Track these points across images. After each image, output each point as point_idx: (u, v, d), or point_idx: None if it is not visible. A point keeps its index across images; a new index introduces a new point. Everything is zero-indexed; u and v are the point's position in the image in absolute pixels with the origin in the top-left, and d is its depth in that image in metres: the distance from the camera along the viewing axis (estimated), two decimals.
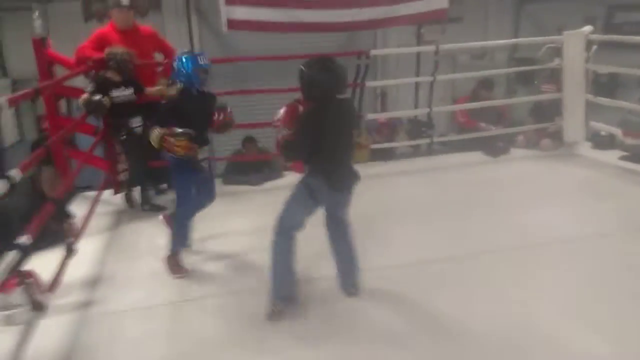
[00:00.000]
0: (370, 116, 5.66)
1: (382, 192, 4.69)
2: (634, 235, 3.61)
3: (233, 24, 5.28)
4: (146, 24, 4.98)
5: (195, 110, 3.22)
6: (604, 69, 5.56)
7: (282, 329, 2.77)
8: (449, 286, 3.09)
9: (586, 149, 5.50)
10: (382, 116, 6.00)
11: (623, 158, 5.08)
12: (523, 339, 2.58)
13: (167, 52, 4.79)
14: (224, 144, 6.69)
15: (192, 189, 3.36)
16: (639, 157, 4.92)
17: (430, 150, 5.99)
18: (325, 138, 2.68)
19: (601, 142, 5.47)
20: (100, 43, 4.43)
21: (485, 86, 5.97)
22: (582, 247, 3.45)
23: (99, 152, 4.76)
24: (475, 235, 3.66)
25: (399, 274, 3.24)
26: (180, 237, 3.44)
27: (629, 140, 5.00)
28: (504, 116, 6.07)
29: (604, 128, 5.36)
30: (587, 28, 5.31)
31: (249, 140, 5.31)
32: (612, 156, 5.19)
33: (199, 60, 3.19)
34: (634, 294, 2.89)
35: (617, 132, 5.16)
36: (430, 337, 2.67)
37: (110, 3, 4.63)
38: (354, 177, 2.85)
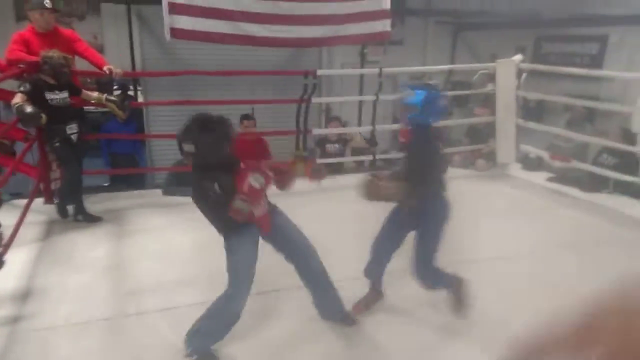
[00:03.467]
0: (316, 131, 5.72)
1: (326, 206, 4.74)
2: (558, 252, 3.82)
3: (177, 33, 5.17)
4: (84, 29, 4.80)
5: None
6: (533, 96, 5.94)
7: (227, 344, 2.71)
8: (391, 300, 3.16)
9: (517, 170, 5.83)
10: (327, 132, 6.07)
11: (550, 179, 5.43)
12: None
13: (92, 58, 4.57)
14: (164, 154, 6.54)
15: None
16: (565, 179, 5.28)
17: (373, 167, 6.13)
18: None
19: (531, 164, 5.83)
20: (24, 46, 4.24)
21: None
22: (512, 264, 3.63)
23: (28, 158, 4.51)
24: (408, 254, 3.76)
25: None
26: None
27: (556, 163, 5.35)
28: (443, 137, 6.32)
29: (533, 151, 5.71)
30: (518, 57, 5.66)
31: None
32: (540, 177, 5.53)
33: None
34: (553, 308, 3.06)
35: (545, 155, 5.51)
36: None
37: (31, 4, 4.39)
38: None
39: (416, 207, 2.66)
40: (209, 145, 2.36)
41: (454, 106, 8.29)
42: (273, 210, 2.64)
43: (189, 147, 2.39)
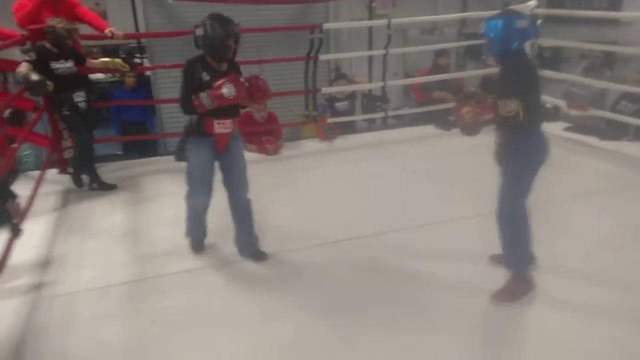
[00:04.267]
0: (324, 90, 5.61)
1: (339, 166, 4.72)
2: (578, 200, 3.78)
3: None
4: None
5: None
6: (548, 43, 5.73)
7: (246, 303, 2.75)
8: (408, 256, 3.15)
9: None
10: (335, 90, 5.96)
11: (568, 129, 5.30)
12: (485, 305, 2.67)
13: (93, 22, 4.50)
14: (174, 120, 6.50)
15: None
16: (582, 128, 5.15)
17: (384, 124, 6.04)
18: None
19: (547, 114, 5.67)
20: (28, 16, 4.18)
21: (439, 54, 6.01)
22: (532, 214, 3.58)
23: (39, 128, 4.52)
24: (432, 207, 3.74)
25: (359, 245, 3.28)
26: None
27: (573, 112, 5.21)
28: (463, 88, 6.14)
29: (549, 100, 5.55)
30: (532, 3, 5.43)
31: None
32: (557, 127, 5.40)
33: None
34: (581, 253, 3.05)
35: (562, 104, 5.37)
36: (390, 304, 2.71)
37: None
38: None
39: (514, 142, 2.58)
40: (214, 32, 2.74)
41: (467, 58, 8.09)
42: (234, 137, 2.99)
43: (199, 31, 2.78)
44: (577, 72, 5.56)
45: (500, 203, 2.74)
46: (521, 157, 2.60)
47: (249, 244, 3.19)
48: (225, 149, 2.96)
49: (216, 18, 2.79)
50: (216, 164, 3.02)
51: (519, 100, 2.41)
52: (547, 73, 5.40)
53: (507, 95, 2.44)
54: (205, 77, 2.79)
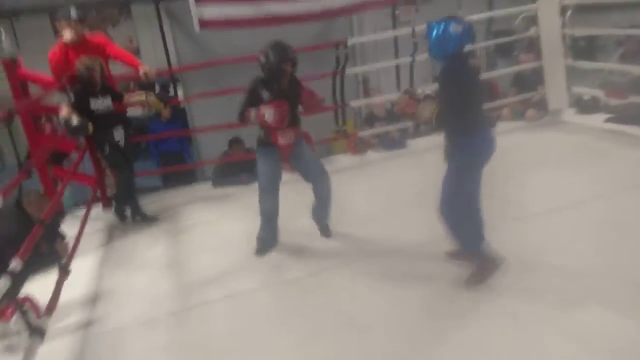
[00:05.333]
0: (353, 103, 5.61)
1: (376, 177, 4.71)
2: (630, 193, 3.63)
3: (204, 24, 5.19)
4: (118, 34, 4.88)
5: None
6: (581, 32, 5.54)
7: (290, 329, 2.75)
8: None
9: (571, 115, 5.50)
10: (365, 102, 5.95)
11: (609, 120, 5.09)
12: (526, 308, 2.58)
13: (125, 59, 4.60)
14: (210, 147, 6.63)
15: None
16: (625, 118, 4.93)
17: (416, 132, 5.97)
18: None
19: (585, 106, 5.48)
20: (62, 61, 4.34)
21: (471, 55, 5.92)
22: (583, 210, 3.49)
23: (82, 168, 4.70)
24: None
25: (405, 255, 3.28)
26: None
27: (613, 101, 5.01)
28: (496, 90, 6.01)
29: (586, 92, 5.36)
30: None
31: (235, 141, 5.25)
32: (598, 119, 5.20)
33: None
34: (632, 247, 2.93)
35: (600, 94, 5.17)
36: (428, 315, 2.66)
37: (58, 17, 4.46)
38: None
39: (454, 142, 2.75)
40: (271, 58, 3.13)
41: (497, 56, 7.92)
42: (298, 142, 3.39)
43: (261, 58, 3.17)
44: (614, 60, 5.36)
45: (441, 199, 2.80)
46: (464, 157, 2.72)
47: (322, 218, 3.63)
48: (291, 155, 3.39)
49: (274, 45, 3.17)
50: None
51: (437, 105, 2.66)
52: (582, 64, 5.24)
53: (439, 100, 2.68)
54: (265, 94, 3.21)
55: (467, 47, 2.77)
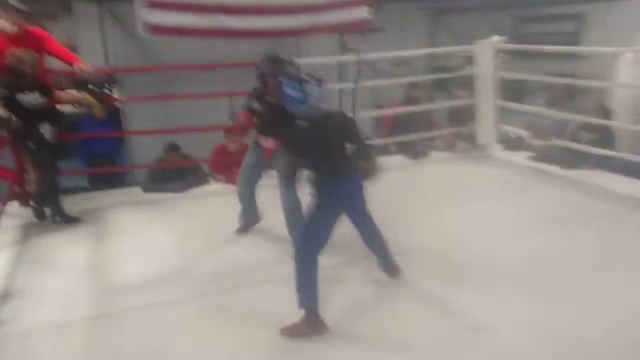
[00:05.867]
0: None
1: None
2: (543, 227, 3.85)
3: (153, 29, 5.07)
4: (56, 30, 4.70)
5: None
6: (511, 76, 5.93)
7: (208, 341, 2.69)
8: (376, 283, 3.16)
9: (498, 151, 5.83)
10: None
11: (531, 158, 5.44)
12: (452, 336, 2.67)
13: (63, 56, 4.46)
14: (144, 151, 6.45)
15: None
16: (545, 157, 5.29)
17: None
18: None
19: (511, 143, 5.83)
20: None
21: (415, 86, 6.12)
22: (498, 241, 3.66)
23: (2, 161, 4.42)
24: (399, 235, 3.76)
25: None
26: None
27: (536, 142, 5.37)
28: (435, 124, 6.25)
29: (513, 131, 5.71)
30: (496, 38, 5.65)
31: (171, 147, 5.13)
32: (521, 157, 5.54)
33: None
34: (546, 281, 3.10)
35: (525, 134, 5.52)
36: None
37: None
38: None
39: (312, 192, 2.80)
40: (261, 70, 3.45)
41: (435, 90, 8.29)
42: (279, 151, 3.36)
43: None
44: (541, 103, 5.75)
45: (294, 242, 2.88)
46: (316, 205, 2.74)
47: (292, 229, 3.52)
48: (272, 158, 3.54)
49: (267, 58, 3.43)
50: None
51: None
52: (511, 105, 5.59)
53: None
54: (255, 104, 3.47)
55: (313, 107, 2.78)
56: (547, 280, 3.10)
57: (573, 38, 7.22)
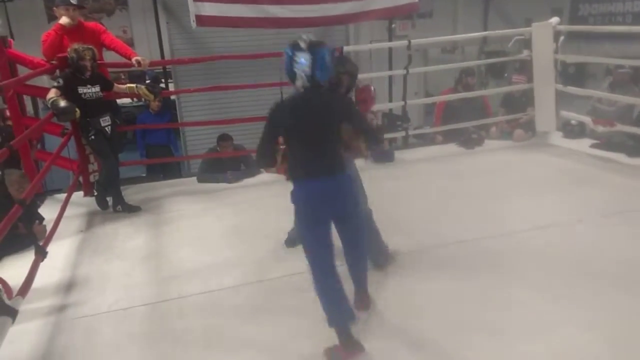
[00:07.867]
0: None
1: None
2: (609, 220, 3.66)
3: (202, 20, 5.16)
4: (113, 24, 4.87)
5: None
6: (572, 59, 5.66)
7: (263, 325, 2.72)
8: (435, 272, 3.10)
9: (558, 138, 5.60)
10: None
11: (594, 146, 5.19)
12: (506, 325, 2.59)
13: (120, 49, 4.62)
14: (198, 142, 6.61)
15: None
16: (609, 145, 5.03)
17: (405, 144, 6.01)
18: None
19: (572, 131, 5.58)
20: (55, 44, 4.36)
21: (468, 73, 5.94)
22: (560, 234, 3.50)
23: (66, 152, 4.62)
24: (454, 225, 3.68)
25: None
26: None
27: (599, 128, 5.11)
28: (488, 110, 6.07)
29: (574, 117, 5.46)
30: (554, 19, 5.39)
31: (223, 138, 5.21)
32: (583, 144, 5.30)
33: None
34: (612, 275, 2.94)
35: (587, 120, 5.27)
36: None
37: (56, 2, 4.53)
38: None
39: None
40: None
41: (489, 76, 8.04)
42: None
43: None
44: (603, 88, 5.47)
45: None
46: (295, 206, 2.43)
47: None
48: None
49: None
50: None
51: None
52: (571, 89, 5.33)
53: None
54: None
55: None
56: (613, 277, 2.94)
57: (637, 18, 6.80)
